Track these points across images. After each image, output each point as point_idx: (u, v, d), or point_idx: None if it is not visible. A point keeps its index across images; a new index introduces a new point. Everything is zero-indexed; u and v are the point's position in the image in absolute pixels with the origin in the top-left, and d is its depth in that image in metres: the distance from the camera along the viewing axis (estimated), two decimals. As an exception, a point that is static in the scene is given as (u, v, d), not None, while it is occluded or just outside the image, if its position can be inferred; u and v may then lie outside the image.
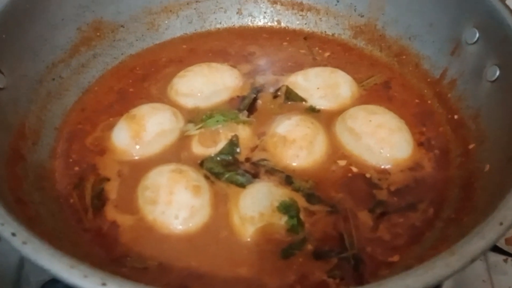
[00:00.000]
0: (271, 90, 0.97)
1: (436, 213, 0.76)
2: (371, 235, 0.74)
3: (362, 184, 0.80)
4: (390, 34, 1.04)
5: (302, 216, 0.74)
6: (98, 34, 1.01)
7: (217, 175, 0.80)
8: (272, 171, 0.81)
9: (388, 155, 0.82)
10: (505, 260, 0.91)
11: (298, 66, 1.02)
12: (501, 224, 0.54)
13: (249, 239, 0.72)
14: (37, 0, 0.87)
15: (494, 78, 0.80)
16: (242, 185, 0.78)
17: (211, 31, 1.13)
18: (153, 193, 0.75)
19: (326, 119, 0.90)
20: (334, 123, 0.89)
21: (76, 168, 0.83)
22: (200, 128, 0.86)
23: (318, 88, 0.94)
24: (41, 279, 0.80)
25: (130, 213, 0.76)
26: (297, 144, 0.83)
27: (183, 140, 0.86)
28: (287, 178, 0.80)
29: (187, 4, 1.11)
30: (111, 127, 0.88)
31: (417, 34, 1.00)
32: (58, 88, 0.92)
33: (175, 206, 0.73)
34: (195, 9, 1.12)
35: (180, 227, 0.73)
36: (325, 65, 1.02)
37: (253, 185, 0.78)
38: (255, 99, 0.94)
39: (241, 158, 0.83)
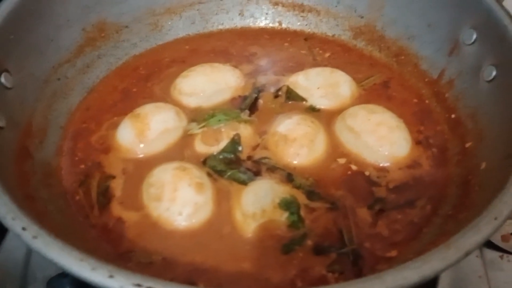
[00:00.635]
0: (272, 89, 0.97)
1: (434, 209, 0.77)
2: (370, 231, 0.74)
3: (362, 182, 0.81)
4: (389, 35, 1.05)
5: (302, 212, 0.75)
6: (102, 34, 1.01)
7: (220, 173, 0.81)
8: (273, 169, 0.82)
9: (386, 153, 0.83)
10: (501, 257, 0.92)
11: (298, 67, 1.02)
12: (495, 219, 0.55)
13: (251, 235, 0.73)
14: (43, 2, 0.87)
15: (491, 78, 0.81)
16: (244, 183, 0.79)
17: (213, 32, 1.13)
18: (158, 190, 0.76)
19: (326, 118, 0.91)
20: (334, 122, 0.89)
21: (82, 166, 0.84)
22: (203, 127, 0.87)
23: (318, 88, 0.95)
24: (47, 275, 0.81)
25: (135, 210, 0.77)
26: (297, 143, 0.83)
27: (186, 138, 0.87)
28: (288, 176, 0.81)
29: (190, 5, 1.11)
30: (115, 126, 0.88)
31: (416, 35, 1.00)
32: (64, 88, 0.93)
33: (179, 202, 0.74)
34: (197, 10, 1.12)
35: (184, 223, 0.74)
36: (325, 66, 1.02)
37: (255, 183, 0.79)
38: (256, 99, 0.95)
39: (243, 156, 0.84)
